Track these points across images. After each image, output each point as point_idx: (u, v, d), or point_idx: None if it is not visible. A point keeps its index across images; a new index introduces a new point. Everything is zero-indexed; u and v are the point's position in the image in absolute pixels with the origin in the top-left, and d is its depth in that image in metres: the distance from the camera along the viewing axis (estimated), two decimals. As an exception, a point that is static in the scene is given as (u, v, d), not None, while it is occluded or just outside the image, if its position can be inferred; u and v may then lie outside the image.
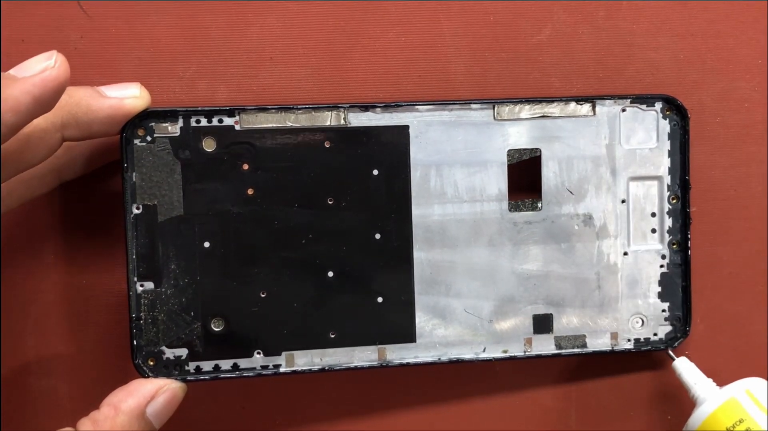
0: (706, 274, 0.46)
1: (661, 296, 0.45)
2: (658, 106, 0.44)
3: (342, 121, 0.42)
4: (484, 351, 0.44)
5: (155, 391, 0.40)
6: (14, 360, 0.44)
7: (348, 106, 0.42)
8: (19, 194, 0.41)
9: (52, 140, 0.38)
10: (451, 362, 0.44)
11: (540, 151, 0.44)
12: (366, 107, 0.42)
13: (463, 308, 0.44)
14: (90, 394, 0.44)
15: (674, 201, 0.44)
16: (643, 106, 0.44)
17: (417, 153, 0.43)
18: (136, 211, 0.41)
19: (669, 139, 0.44)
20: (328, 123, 0.42)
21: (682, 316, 0.45)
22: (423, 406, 0.46)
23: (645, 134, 0.44)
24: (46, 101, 0.34)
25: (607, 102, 0.44)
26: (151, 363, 0.42)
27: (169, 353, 0.42)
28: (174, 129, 0.41)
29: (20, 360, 0.44)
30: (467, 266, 0.44)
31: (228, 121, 0.41)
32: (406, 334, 0.43)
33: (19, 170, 0.38)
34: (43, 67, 0.34)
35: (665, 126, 0.44)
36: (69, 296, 0.44)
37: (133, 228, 0.41)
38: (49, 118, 0.38)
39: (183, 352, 0.42)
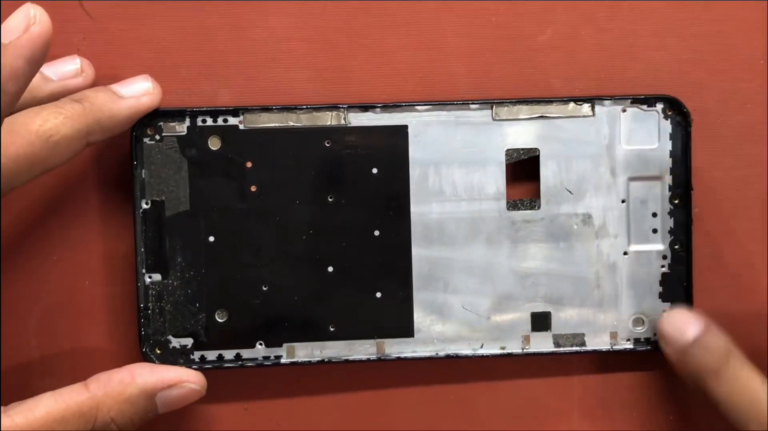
0: (708, 275, 0.46)
1: (663, 296, 0.45)
2: (659, 106, 0.44)
3: (342, 121, 0.44)
4: (481, 347, 0.45)
5: (176, 381, 0.41)
6: (17, 361, 0.45)
7: (348, 106, 0.43)
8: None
9: (78, 146, 0.39)
10: (448, 357, 0.45)
11: (538, 150, 0.44)
12: (365, 107, 0.43)
13: (461, 304, 0.45)
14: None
15: (676, 201, 0.44)
16: (644, 107, 0.44)
17: (416, 152, 0.44)
18: (145, 206, 0.43)
19: (671, 139, 0.44)
20: (328, 123, 0.43)
21: (683, 317, 0.45)
22: (424, 409, 0.46)
23: (646, 134, 0.44)
24: (39, 59, 0.34)
25: (607, 102, 0.44)
26: (158, 352, 0.44)
27: (175, 342, 0.44)
28: (181, 128, 0.43)
29: (23, 360, 0.45)
30: (465, 263, 0.44)
31: (232, 120, 0.43)
32: (405, 329, 0.44)
33: (45, 172, 0.39)
34: (24, 25, 0.33)
35: (667, 126, 0.44)
36: (72, 297, 0.45)
37: (142, 222, 0.43)
38: (75, 126, 0.39)
39: (188, 342, 0.44)
